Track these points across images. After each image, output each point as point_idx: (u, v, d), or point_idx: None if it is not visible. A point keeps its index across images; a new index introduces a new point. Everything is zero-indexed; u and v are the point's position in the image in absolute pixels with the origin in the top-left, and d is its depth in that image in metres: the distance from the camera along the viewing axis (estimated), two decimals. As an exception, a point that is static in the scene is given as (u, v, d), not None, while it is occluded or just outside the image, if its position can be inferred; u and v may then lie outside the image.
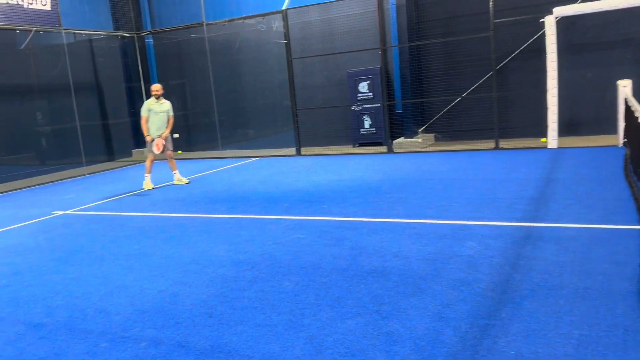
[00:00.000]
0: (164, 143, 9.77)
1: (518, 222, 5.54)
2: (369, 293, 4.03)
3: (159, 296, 4.38)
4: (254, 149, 14.37)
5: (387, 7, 12.21)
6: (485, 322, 3.41)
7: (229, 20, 13.57)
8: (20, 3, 11.85)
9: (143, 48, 15.32)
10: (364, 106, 12.62)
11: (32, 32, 12.21)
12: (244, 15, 13.48)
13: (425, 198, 6.99)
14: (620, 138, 9.72)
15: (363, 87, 12.57)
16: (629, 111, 7.87)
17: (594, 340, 3.05)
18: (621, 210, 5.60)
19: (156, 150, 9.68)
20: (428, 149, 11.70)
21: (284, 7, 12.45)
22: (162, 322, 3.86)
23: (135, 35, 15.02)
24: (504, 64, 11.38)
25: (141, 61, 15.15)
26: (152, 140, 9.68)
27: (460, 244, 5.00)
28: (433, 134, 12.49)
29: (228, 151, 14.37)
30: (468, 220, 5.78)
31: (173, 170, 10.12)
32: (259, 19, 13.63)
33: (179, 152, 15.52)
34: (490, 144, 10.93)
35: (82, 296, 4.54)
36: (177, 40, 15.31)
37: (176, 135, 15.73)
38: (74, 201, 9.24)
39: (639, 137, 6.58)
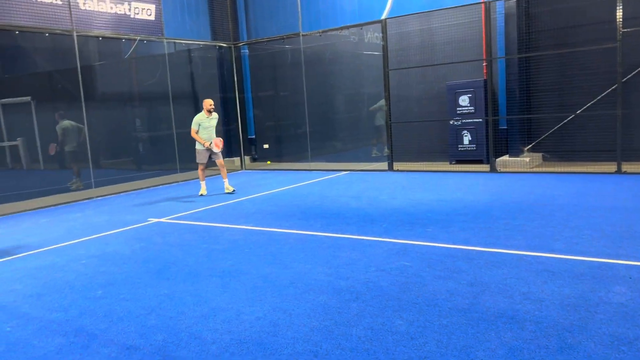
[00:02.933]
0: (221, 139, 10.27)
1: (672, 264, 4.64)
2: (502, 344, 3.38)
3: (257, 324, 3.97)
4: (343, 161, 13.95)
5: (494, 17, 11.38)
6: (668, 401, 2.67)
7: (324, 31, 13.32)
8: (128, 13, 12.26)
9: (238, 58, 15.45)
10: (464, 121, 11.82)
11: (137, 41, 12.60)
12: (341, 26, 13.15)
13: (547, 227, 6.16)
14: None
15: (464, 100, 11.79)
16: None
17: None
18: None
19: (215, 148, 10.07)
20: (536, 169, 10.69)
21: (383, 17, 11.98)
22: (262, 358, 3.43)
23: (232, 46, 15.18)
24: (629, 78, 10.17)
25: (236, 71, 15.27)
26: (211, 144, 10.04)
27: (605, 287, 4.20)
28: (541, 154, 11.44)
29: (317, 163, 14.06)
30: (607, 257, 4.93)
31: (224, 179, 10.49)
32: (352, 29, 13.26)
33: (268, 162, 15.45)
34: (611, 167, 9.76)
35: (176, 317, 4.24)
36: (271, 51, 15.31)
37: (266, 146, 15.72)
38: (168, 209, 9.23)
39: None
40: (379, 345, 3.48)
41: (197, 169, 10.56)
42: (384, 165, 12.43)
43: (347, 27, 13.03)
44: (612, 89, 10.03)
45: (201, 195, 10.33)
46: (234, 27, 15.61)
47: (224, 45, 15.12)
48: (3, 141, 11.06)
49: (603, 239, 5.51)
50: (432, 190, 9.23)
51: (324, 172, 12.83)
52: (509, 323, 3.68)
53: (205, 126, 10.05)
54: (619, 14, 9.31)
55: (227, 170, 11.28)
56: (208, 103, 10.12)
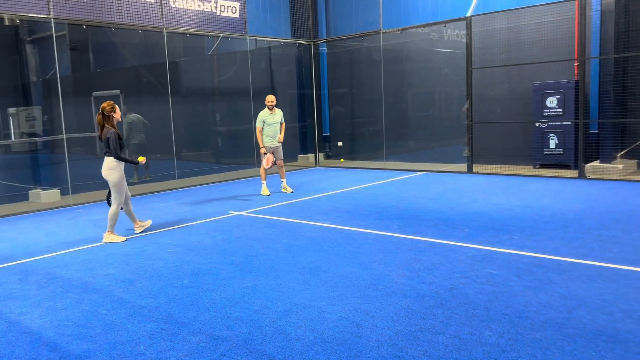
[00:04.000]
0: (273, 160, 9.95)
1: None
2: (604, 365, 3.17)
3: (340, 324, 3.96)
4: (418, 161, 13.70)
5: (589, 14, 10.73)
6: None
7: (405, 29, 13.11)
8: (214, 11, 12.66)
9: (317, 55, 15.55)
10: (551, 123, 11.25)
11: (220, 38, 12.98)
12: (424, 23, 12.90)
13: (647, 241, 5.74)
14: None
15: (551, 102, 11.21)
16: None
17: None
18: None
19: (265, 165, 9.87)
20: (629, 177, 9.99)
21: (468, 14, 11.63)
22: (347, 359, 3.41)
23: (311, 43, 15.30)
24: None
25: (314, 68, 15.38)
26: (265, 154, 9.87)
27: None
28: (636, 161, 10.68)
29: (392, 162, 13.90)
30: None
31: (282, 178, 10.38)
32: (433, 27, 12.96)
33: (342, 160, 15.46)
34: None
35: (260, 310, 4.31)
36: (349, 49, 15.28)
37: (340, 143, 15.74)
38: (247, 203, 9.45)
39: None
40: (468, 356, 3.37)
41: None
42: (462, 167, 12.08)
43: (430, 25, 12.76)
44: None
45: (264, 195, 10.05)
46: (314, 25, 15.72)
47: (304, 42, 15.26)
48: (93, 131, 11.77)
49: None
50: (515, 195, 8.86)
51: (399, 171, 12.65)
52: (609, 342, 3.44)
53: (269, 122, 9.93)
54: None
55: (301, 167, 11.34)
56: (269, 99, 9.97)
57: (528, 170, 11.46)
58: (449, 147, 13.64)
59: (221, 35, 12.89)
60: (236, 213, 8.49)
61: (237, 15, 13.19)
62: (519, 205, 7.99)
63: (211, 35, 12.85)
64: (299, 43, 15.29)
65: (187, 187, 11.76)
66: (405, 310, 4.15)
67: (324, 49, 15.81)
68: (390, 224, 7.21)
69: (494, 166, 11.90)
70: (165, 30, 11.61)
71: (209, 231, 7.32)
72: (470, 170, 11.82)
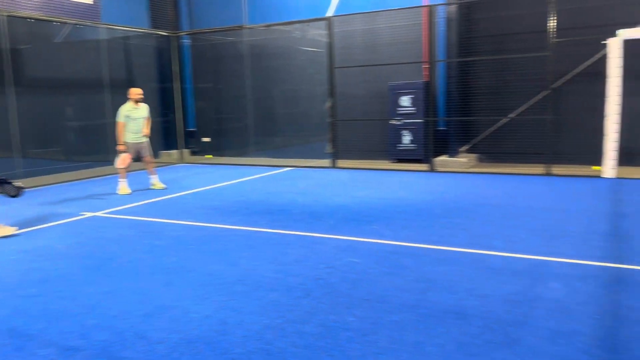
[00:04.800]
0: (130, 161, 9.48)
1: (601, 261, 4.95)
2: (451, 339, 3.48)
3: (206, 323, 3.87)
4: (285, 157, 13.90)
5: (436, 21, 11.70)
6: (605, 390, 2.85)
7: (269, 25, 13.19)
8: (62, -5, 11.61)
9: (179, 48, 15.01)
10: (405, 121, 12.09)
11: (70, 25, 11.94)
12: (286, 21, 13.08)
13: (486, 225, 6.42)
14: (685, 172, 9.05)
15: (405, 101, 12.06)
16: None
17: None
18: None
19: (121, 164, 9.34)
20: (472, 170, 11.12)
21: (328, 15, 12.03)
22: (213, 358, 3.35)
23: (172, 35, 14.71)
24: (558, 86, 10.77)
25: (176, 61, 14.82)
26: (123, 152, 9.35)
27: (542, 284, 4.42)
28: (476, 155, 11.91)
29: (259, 158, 13.93)
30: (542, 255, 5.20)
31: (151, 175, 9.93)
32: (296, 25, 13.23)
33: (209, 156, 15.13)
34: (540, 169, 10.31)
35: (119, 315, 4.06)
36: (214, 42, 14.98)
37: (206, 139, 15.39)
38: (103, 202, 8.83)
39: None
40: (333, 342, 3.50)
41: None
42: (327, 162, 12.50)
43: (292, 23, 12.98)
44: (544, 95, 10.58)
45: (123, 194, 9.40)
46: (175, 16, 15.16)
47: (164, 34, 14.64)
48: None
49: (538, 238, 5.81)
50: (375, 188, 9.38)
51: (267, 167, 12.72)
52: (456, 318, 3.80)
53: (134, 117, 9.41)
54: (552, 24, 9.84)
55: (164, 163, 10.88)
56: (135, 92, 9.43)
57: (386, 164, 12.21)
58: (315, 143, 14.01)
59: (71, 22, 11.86)
60: (91, 214, 7.89)
61: (90, 1, 12.23)
62: (378, 197, 8.48)
63: (60, 22, 11.77)
64: (158, 34, 14.63)
65: (35, 187, 10.65)
66: (273, 304, 4.19)
67: (186, 41, 15.31)
68: (258, 219, 7.22)
69: (356, 161, 12.50)
70: (4, 14, 10.38)
71: (59, 234, 6.72)
72: (334, 165, 12.27)
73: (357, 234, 6.22)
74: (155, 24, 14.69)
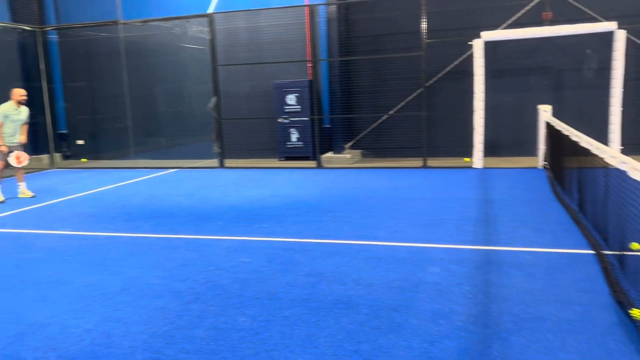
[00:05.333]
0: (27, 158, 8.90)
1: (473, 245, 5.39)
2: (341, 329, 3.59)
3: (88, 337, 3.63)
4: (170, 158, 13.40)
5: (317, 20, 11.96)
6: (479, 362, 3.11)
7: (146, 21, 12.63)
8: None
9: (46, 44, 13.83)
10: (292, 119, 12.23)
11: None
12: (165, 17, 12.60)
13: (371, 217, 6.70)
14: (540, 160, 10.13)
15: (291, 99, 12.19)
16: (556, 135, 8.15)
17: (599, 382, 2.84)
18: (567, 233, 5.65)
19: (17, 163, 8.71)
20: (357, 165, 11.53)
21: (209, 11, 11.79)
22: (96, 373, 3.15)
23: (37, 30, 13.51)
24: (431, 84, 11.53)
25: (43, 58, 13.64)
26: (10, 152, 8.64)
27: (423, 269, 4.72)
28: (360, 150, 12.37)
29: (141, 161, 13.29)
30: (422, 242, 5.54)
31: (20, 182, 9.16)
32: (176, 21, 12.83)
33: (83, 160, 14.14)
34: (418, 162, 10.98)
35: (-16, 339, 3.66)
36: (86, 39, 14.00)
37: (80, 142, 14.39)
38: (-39, 215, 7.91)
39: (573, 160, 6.76)
40: (224, 344, 3.44)
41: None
42: (214, 162, 12.26)
43: (172, 19, 12.55)
44: (418, 93, 11.26)
45: None
46: (40, 9, 13.95)
47: (27, 28, 13.41)
48: None
49: (418, 227, 6.18)
50: (264, 186, 9.38)
51: (150, 170, 12.18)
52: (345, 309, 3.92)
53: (13, 119, 8.63)
54: (424, 26, 10.49)
55: (33, 169, 9.98)
56: (19, 93, 8.67)
57: (274, 163, 12.26)
58: (201, 143, 13.67)
59: None
60: (-53, 229, 7.03)
61: None
62: (268, 195, 8.49)
63: None
64: (21, 29, 13.37)
65: None
66: (160, 311, 4.03)
67: (53, 37, 14.15)
68: (141, 224, 6.89)
69: (245, 160, 12.41)
70: None
71: None
72: (222, 165, 12.07)
73: (248, 234, 6.18)
74: (16, 18, 13.40)
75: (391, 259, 5.01)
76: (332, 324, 3.68)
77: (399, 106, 11.82)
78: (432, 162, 10.91)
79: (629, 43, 9.82)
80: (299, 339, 3.48)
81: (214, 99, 11.94)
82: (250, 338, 3.52)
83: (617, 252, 4.55)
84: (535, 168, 10.02)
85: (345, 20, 11.95)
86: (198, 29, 12.99)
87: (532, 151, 10.56)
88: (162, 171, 11.90)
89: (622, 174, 4.21)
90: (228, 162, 12.12)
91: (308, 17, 11.50)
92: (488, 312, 3.78)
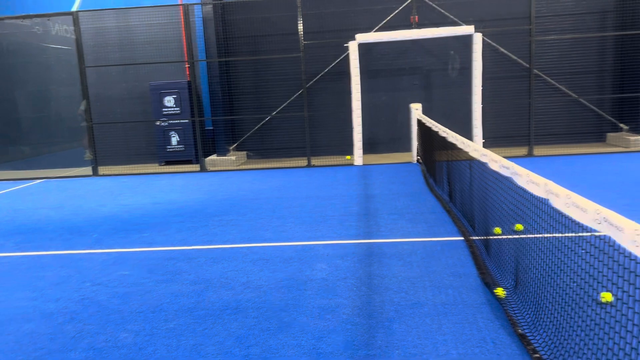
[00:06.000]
0: None
1: (356, 239, 5.59)
2: (230, 335, 3.54)
3: (-60, 375, 3.21)
4: (36, 168, 12.28)
5: (193, 20, 11.66)
6: (365, 352, 3.23)
7: (0, 19, 11.45)
8: None
9: None
10: (171, 122, 11.81)
11: None
12: (24, 14, 11.52)
13: (258, 219, 6.67)
14: (414, 155, 10.79)
15: (169, 101, 11.76)
16: (426, 131, 8.74)
17: (472, 358, 3.09)
18: (440, 223, 6.07)
19: None
20: (242, 167, 11.43)
21: (74, 9, 10.98)
22: (-48, 415, 2.80)
23: None
24: (312, 84, 11.77)
25: None
26: None
27: (310, 266, 4.80)
28: (245, 152, 12.28)
29: (2, 172, 12.03)
30: (308, 240, 5.63)
31: None
32: (36, 20, 11.81)
33: None
34: (302, 162, 11.15)
35: None
36: None
37: None
38: None
39: (441, 154, 7.29)
40: (105, 365, 3.23)
41: None
42: (87, 170, 11.45)
43: (30, 17, 11.50)
44: (299, 94, 11.44)
45: None
46: None
47: None
48: None
49: (304, 225, 6.27)
50: (144, 193, 8.95)
51: (12, 182, 11.07)
52: (233, 314, 3.87)
53: None
54: (300, 27, 10.67)
55: None
56: None
57: (155, 168, 11.75)
58: (71, 150, 12.72)
59: None
60: None
61: None
62: (149, 202, 8.11)
63: None
64: None
65: None
66: (30, 336, 3.68)
67: None
68: (4, 242, 6.25)
69: (121, 167, 11.74)
70: None
71: None
72: (95, 173, 11.31)
73: (127, 245, 5.85)
74: None
75: (279, 259, 5.04)
76: (220, 330, 3.61)
77: (282, 107, 11.91)
78: (316, 161, 11.14)
79: (486, 45, 10.80)
80: (186, 349, 3.37)
81: (84, 103, 11.15)
82: (134, 355, 3.34)
83: (483, 237, 4.99)
84: (410, 163, 10.64)
85: (222, 20, 11.78)
86: (62, 28, 12.05)
87: (407, 147, 11.21)
88: (27, 183, 10.87)
89: (483, 165, 4.62)
90: (102, 170, 11.39)
91: (183, 18, 11.15)
92: (372, 303, 3.94)
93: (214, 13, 11.36)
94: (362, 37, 10.57)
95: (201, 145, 11.24)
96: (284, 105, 11.89)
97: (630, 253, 2.05)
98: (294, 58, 11.03)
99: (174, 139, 11.87)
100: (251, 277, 4.60)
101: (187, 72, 11.71)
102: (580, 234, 2.70)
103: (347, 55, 10.73)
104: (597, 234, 2.33)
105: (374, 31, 11.33)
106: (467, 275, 4.38)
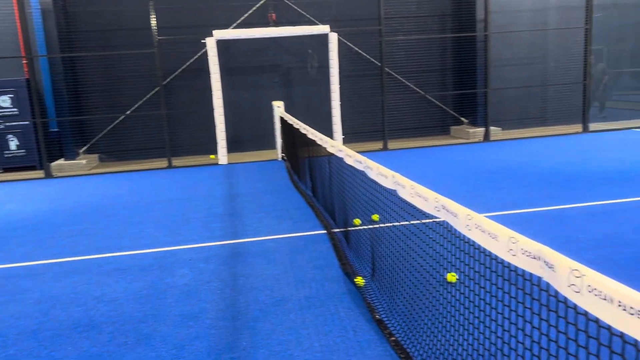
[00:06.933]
0: None
1: (220, 240, 5.48)
2: (81, 355, 3.25)
3: None
4: None
5: (29, 12, 10.54)
6: (229, 356, 3.17)
7: None
8: None
9: None
10: (8, 124, 10.58)
11: None
12: None
13: (113, 227, 6.24)
14: (278, 152, 10.89)
15: (4, 101, 10.53)
16: (288, 128, 8.86)
17: (334, 348, 3.18)
18: (304, 218, 6.19)
19: None
20: (94, 171, 10.62)
21: None
22: None
23: None
24: (169, 81, 11.31)
25: None
26: None
27: (171, 273, 4.60)
28: (97, 155, 11.43)
29: None
30: (169, 245, 5.40)
31: None
32: None
33: None
34: (163, 163, 10.68)
35: None
36: None
37: None
38: None
39: (303, 151, 7.45)
40: None
41: None
42: None
43: None
44: (156, 91, 10.92)
45: None
46: None
47: None
48: None
49: (164, 229, 6.00)
50: (-24, 205, 7.92)
51: None
52: (85, 331, 3.56)
53: None
54: (154, 22, 10.17)
55: None
56: None
57: (-10, 176, 10.46)
58: None
59: None
60: None
61: None
62: (-18, 216, 7.19)
63: None
64: None
65: None
66: None
67: None
68: None
69: (-53, 177, 10.25)
70: None
71: None
72: None
73: (-45, 265, 5.12)
74: None
75: (137, 268, 4.76)
76: (70, 351, 3.30)
77: (136, 105, 11.28)
78: (177, 161, 10.73)
79: (341, 44, 11.24)
80: (29, 378, 3.03)
81: None
82: (-37, 392, 2.92)
83: (343, 229, 5.18)
84: (275, 160, 10.72)
85: (64, 12, 10.81)
86: None
87: (272, 144, 11.27)
88: None
89: (340, 160, 4.79)
90: None
91: (17, 8, 10.01)
92: (236, 304, 3.88)
93: (54, 4, 10.39)
94: (220, 34, 10.39)
95: (45, 149, 10.21)
96: (140, 103, 11.27)
97: (464, 236, 2.24)
98: (148, 54, 10.49)
99: (13, 143, 10.66)
100: (105, 290, 4.28)
101: (26, 69, 10.57)
102: (424, 221, 2.90)
103: (206, 51, 10.47)
104: (437, 220, 2.52)
105: (232, 28, 11.20)
106: (329, 267, 4.52)
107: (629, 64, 14.30)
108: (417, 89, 12.14)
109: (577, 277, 1.50)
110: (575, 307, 1.50)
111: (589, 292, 1.44)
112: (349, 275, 4.25)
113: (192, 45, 11.07)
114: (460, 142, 11.48)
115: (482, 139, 11.48)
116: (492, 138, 11.45)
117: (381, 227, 3.94)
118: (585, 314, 1.46)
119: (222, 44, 11.10)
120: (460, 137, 11.98)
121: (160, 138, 10.77)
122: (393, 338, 3.20)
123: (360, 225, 5.24)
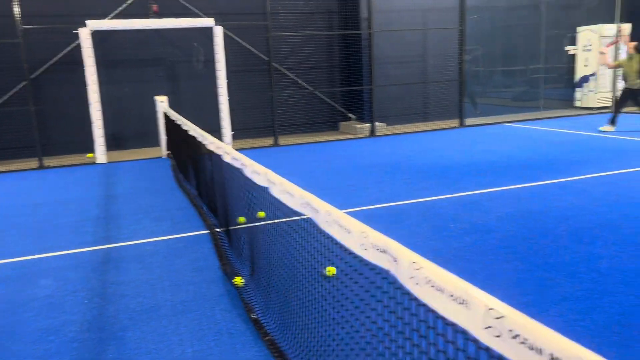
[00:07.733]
0: None
1: (92, 246, 5.10)
2: None
3: None
4: None
5: None
6: (92, 371, 2.93)
7: None
8: None
9: None
10: None
11: None
12: None
13: (-34, 236, 5.58)
14: (163, 150, 10.43)
15: None
16: (172, 125, 8.50)
17: (207, 352, 3.06)
18: (186, 218, 5.96)
19: None
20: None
21: None
22: None
23: None
24: (39, 75, 10.38)
25: None
26: None
27: (33, 284, 4.19)
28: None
29: None
30: (32, 254, 4.93)
31: None
32: None
33: None
34: (33, 164, 9.78)
35: None
36: None
37: None
38: None
39: (187, 149, 7.17)
40: None
41: None
42: None
43: None
44: (22, 86, 9.97)
45: None
46: None
47: None
48: None
49: (28, 237, 5.48)
50: None
51: None
52: None
53: None
54: (17, 10, 9.26)
55: None
56: None
57: None
58: None
59: None
60: None
61: None
62: None
63: None
64: None
65: None
66: None
67: None
68: None
69: None
70: None
71: None
72: None
73: None
74: None
75: (-9, 281, 4.28)
76: None
77: (1, 101, 10.23)
78: (50, 161, 9.89)
79: (228, 38, 11.00)
80: None
81: None
82: None
83: (225, 228, 5.05)
84: (160, 158, 10.26)
85: None
86: None
87: (156, 142, 10.76)
88: None
89: (219, 158, 4.65)
90: None
91: None
92: (104, 314, 3.62)
93: None
94: (95, 24, 9.71)
95: None
96: (4, 99, 10.24)
97: (323, 231, 2.24)
98: (11, 44, 9.53)
99: None
100: (-49, 308, 3.80)
101: None
102: (293, 218, 2.87)
103: (79, 43, 9.73)
104: (304, 217, 2.50)
105: (109, 18, 10.52)
106: (209, 269, 4.37)
107: (501, 63, 15.51)
108: (306, 85, 12.24)
109: (417, 269, 1.53)
110: (415, 298, 1.53)
111: (426, 283, 1.47)
112: (228, 275, 4.14)
113: (66, 35, 10.24)
114: (348, 137, 11.76)
115: (368, 134, 11.85)
116: (377, 133, 11.85)
117: (257, 225, 3.87)
118: (425, 305, 1.49)
119: (99, 35, 10.40)
120: (348, 133, 12.27)
121: (30, 136, 9.86)
122: (268, 337, 3.15)
123: (245, 223, 5.14)
